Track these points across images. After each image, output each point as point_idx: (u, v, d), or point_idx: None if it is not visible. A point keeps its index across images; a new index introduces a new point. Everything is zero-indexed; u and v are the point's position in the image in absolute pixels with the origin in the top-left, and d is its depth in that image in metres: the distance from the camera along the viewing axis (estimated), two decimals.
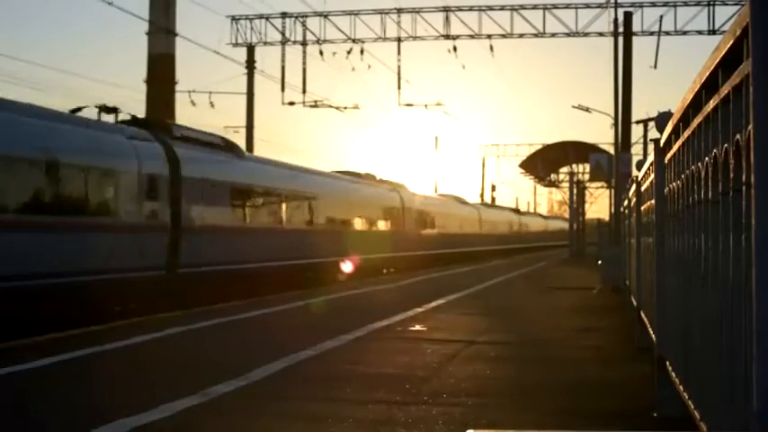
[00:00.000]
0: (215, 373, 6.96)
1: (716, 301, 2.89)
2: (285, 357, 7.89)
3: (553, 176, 59.51)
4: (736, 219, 2.41)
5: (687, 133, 3.65)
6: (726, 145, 2.63)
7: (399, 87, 36.88)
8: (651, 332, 6.40)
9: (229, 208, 20.16)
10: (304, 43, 33.66)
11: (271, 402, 6.07)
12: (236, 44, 33.80)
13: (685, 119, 3.69)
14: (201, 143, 19.54)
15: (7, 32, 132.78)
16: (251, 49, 33.79)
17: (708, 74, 2.81)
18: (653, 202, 5.70)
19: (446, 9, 33.09)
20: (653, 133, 6.79)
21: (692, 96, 3.31)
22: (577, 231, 48.17)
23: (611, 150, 28.90)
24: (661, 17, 30.12)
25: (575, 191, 47.61)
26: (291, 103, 35.26)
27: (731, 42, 2.29)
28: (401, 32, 33.04)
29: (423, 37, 33.14)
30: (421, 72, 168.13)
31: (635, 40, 26.85)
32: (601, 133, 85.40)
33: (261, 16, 33.78)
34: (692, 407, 3.54)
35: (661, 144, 5.00)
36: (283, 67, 34.15)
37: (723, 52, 2.45)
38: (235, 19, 33.84)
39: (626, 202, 13.33)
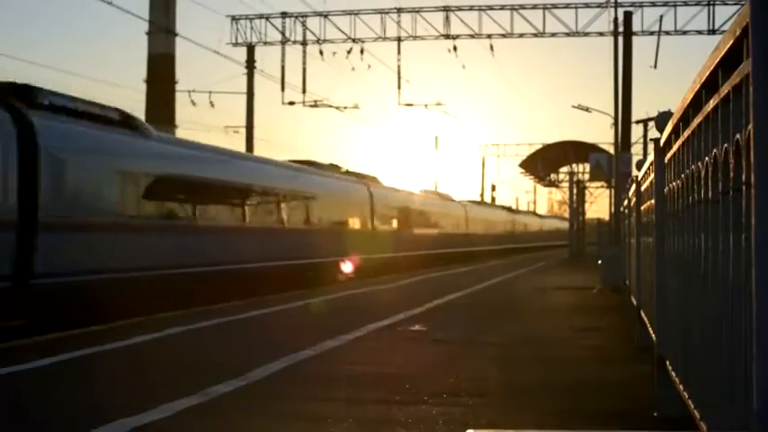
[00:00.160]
0: (215, 373, 6.96)
1: (716, 301, 2.89)
2: (285, 357, 7.89)
3: (553, 176, 59.48)
4: (736, 218, 2.41)
5: (687, 133, 3.65)
6: (726, 145, 2.63)
7: (399, 87, 36.91)
8: (651, 332, 6.40)
9: (120, 198, 15.42)
10: (304, 43, 33.66)
11: (270, 402, 6.07)
12: (236, 44, 33.80)
13: (685, 119, 3.69)
14: (83, 115, 14.92)
15: (7, 32, 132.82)
16: (251, 49, 33.79)
17: (708, 74, 2.81)
18: (653, 201, 5.70)
19: (446, 9, 33.10)
20: (653, 133, 6.78)
21: (692, 96, 3.31)
22: (577, 231, 48.14)
23: (611, 150, 28.90)
24: (661, 17, 30.13)
25: (575, 191, 47.61)
26: (291, 103, 35.27)
27: (731, 42, 2.29)
28: (401, 32, 33.06)
29: (423, 37, 33.14)
30: (421, 72, 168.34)
31: (635, 39, 26.85)
32: (601, 133, 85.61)
33: (261, 16, 33.79)
34: (692, 406, 3.54)
35: (661, 144, 5.00)
36: (283, 67, 34.17)
37: (723, 52, 2.45)
38: (235, 19, 33.85)
39: (626, 202, 13.33)
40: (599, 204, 65.62)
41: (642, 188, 7.74)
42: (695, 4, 30.25)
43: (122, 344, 8.86)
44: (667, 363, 4.81)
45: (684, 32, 30.60)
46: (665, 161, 4.85)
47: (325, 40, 33.19)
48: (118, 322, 11.70)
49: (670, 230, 4.76)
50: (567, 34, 32.22)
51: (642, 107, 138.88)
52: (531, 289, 19.36)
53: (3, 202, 12.45)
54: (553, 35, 32.48)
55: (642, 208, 7.90)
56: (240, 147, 34.01)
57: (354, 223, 28.34)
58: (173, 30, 47.68)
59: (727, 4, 30.29)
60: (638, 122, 32.59)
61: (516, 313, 13.41)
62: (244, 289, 17.33)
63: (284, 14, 33.64)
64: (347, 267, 25.72)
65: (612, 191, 26.53)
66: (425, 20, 33.07)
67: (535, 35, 32.31)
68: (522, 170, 57.15)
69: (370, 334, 10.06)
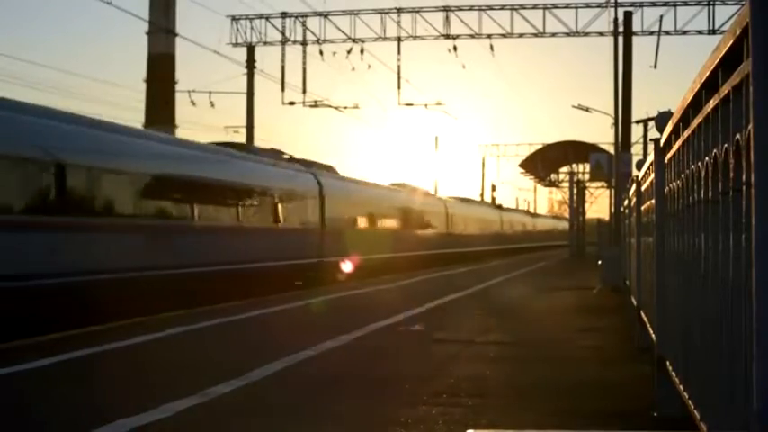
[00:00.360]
0: (215, 373, 6.96)
1: (716, 301, 2.89)
2: (285, 357, 7.89)
3: (553, 176, 59.49)
4: (736, 218, 2.41)
5: (687, 133, 3.65)
6: (726, 145, 2.63)
7: (399, 87, 36.80)
8: (651, 332, 6.40)
9: None
10: (304, 43, 33.65)
11: (271, 402, 6.07)
12: (236, 44, 33.79)
13: (685, 119, 3.69)
14: None
15: (7, 32, 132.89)
16: (251, 49, 33.78)
17: (708, 74, 2.81)
18: (653, 201, 5.70)
19: (446, 9, 33.10)
20: (653, 133, 6.79)
21: (692, 96, 3.31)
22: (577, 231, 48.14)
23: (611, 150, 28.91)
24: (661, 17, 30.12)
25: (575, 191, 47.62)
26: (291, 103, 35.26)
27: (731, 42, 2.29)
28: (401, 32, 33.05)
29: (423, 37, 33.14)
30: (421, 72, 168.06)
31: (635, 39, 26.85)
32: (601, 133, 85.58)
33: (261, 16, 33.78)
34: (692, 406, 3.54)
35: (661, 144, 5.00)
36: (283, 67, 34.16)
37: (723, 52, 2.45)
38: (235, 19, 33.85)
39: (626, 202, 13.33)
40: (599, 204, 65.25)
41: (642, 188, 7.74)
42: (695, 4, 30.26)
43: (122, 344, 8.86)
44: (667, 363, 4.81)
45: (684, 32, 30.60)
46: (666, 161, 4.85)
47: (325, 40, 33.20)
48: (118, 322, 11.70)
49: (670, 230, 4.76)
50: (567, 34, 32.23)
51: (642, 107, 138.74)
52: (531, 289, 19.36)
53: None
54: (553, 35, 32.48)
55: (642, 208, 7.90)
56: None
57: (293, 220, 22.65)
58: (173, 30, 47.70)
59: (727, 4, 30.30)
60: (638, 122, 32.61)
61: (516, 313, 13.41)
62: (159, 304, 13.80)
63: (284, 14, 33.64)
64: (285, 273, 21.04)
65: (612, 191, 26.55)
66: (425, 20, 33.09)
67: (535, 35, 32.31)
68: (522, 170, 57.17)
69: (371, 334, 10.06)
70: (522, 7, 32.14)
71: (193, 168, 17.79)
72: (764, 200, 1.89)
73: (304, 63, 34.01)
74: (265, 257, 20.17)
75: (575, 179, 49.51)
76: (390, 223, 32.18)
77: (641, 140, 36.88)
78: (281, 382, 6.83)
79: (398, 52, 36.18)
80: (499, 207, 63.62)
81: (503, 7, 32.17)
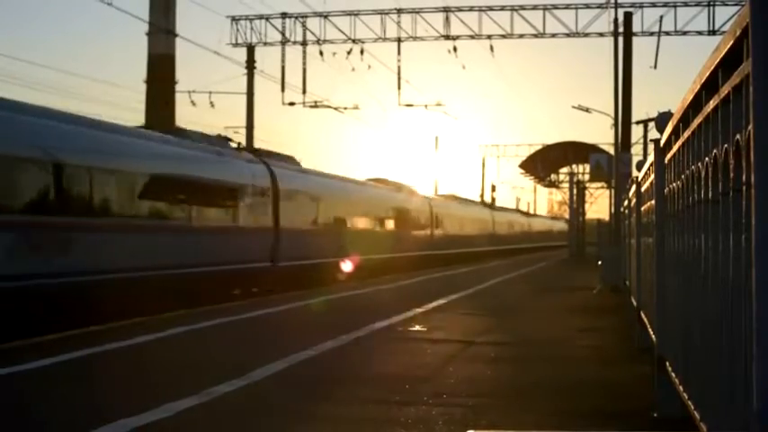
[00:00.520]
0: (216, 372, 6.96)
1: (716, 301, 2.89)
2: (286, 357, 7.89)
3: (553, 177, 59.47)
4: (737, 219, 2.42)
5: (687, 133, 3.65)
6: (726, 145, 2.63)
7: (399, 87, 36.73)
8: (651, 332, 6.40)
9: None
10: (304, 43, 33.64)
11: (272, 402, 6.07)
12: (236, 44, 33.78)
13: (685, 119, 3.69)
14: None
15: (7, 32, 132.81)
16: (251, 50, 33.77)
17: (708, 74, 2.82)
18: (653, 202, 5.71)
19: (446, 9, 33.08)
20: (653, 133, 6.79)
21: (692, 96, 3.31)
22: (577, 232, 48.14)
23: (611, 150, 28.89)
24: (661, 17, 30.11)
25: (575, 191, 47.61)
26: (291, 104, 35.24)
27: (731, 42, 2.30)
28: (401, 33, 33.03)
29: (423, 37, 33.11)
30: (421, 72, 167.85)
31: (635, 40, 26.80)
32: (601, 133, 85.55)
33: (261, 16, 33.77)
34: (692, 407, 3.55)
35: (661, 144, 5.01)
36: (283, 68, 34.14)
37: (723, 52, 2.45)
38: (235, 19, 33.84)
39: (626, 203, 13.33)
40: (599, 205, 65.12)
41: (642, 189, 7.74)
42: (695, 5, 30.24)
43: (124, 344, 8.86)
44: (667, 363, 4.82)
45: (684, 33, 30.59)
46: (666, 162, 4.85)
47: (325, 41, 33.19)
48: (119, 322, 11.70)
49: (670, 231, 4.76)
50: (567, 35, 32.22)
51: (642, 107, 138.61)
52: (531, 289, 19.36)
53: None
54: (553, 36, 32.47)
55: (642, 208, 7.91)
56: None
57: (234, 218, 19.26)
58: (173, 30, 47.68)
59: (727, 5, 30.29)
60: (638, 123, 32.63)
61: (516, 313, 13.41)
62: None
63: (284, 15, 33.64)
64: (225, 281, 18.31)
65: (612, 191, 26.54)
66: (425, 20, 33.07)
67: (535, 36, 32.30)
68: (522, 170, 57.16)
69: (371, 334, 10.06)
70: (522, 8, 32.15)
71: (91, 151, 14.20)
72: (764, 200, 1.89)
73: (304, 63, 34.02)
74: (190, 262, 16.53)
75: (575, 179, 49.49)
76: (363, 222, 28.75)
77: (641, 141, 36.91)
78: (283, 382, 6.83)
79: (398, 53, 36.10)
80: (491, 206, 59.86)
81: (503, 8, 32.16)
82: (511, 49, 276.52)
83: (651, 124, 20.72)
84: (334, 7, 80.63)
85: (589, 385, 6.84)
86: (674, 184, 4.36)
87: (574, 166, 54.22)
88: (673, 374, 4.54)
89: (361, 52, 32.96)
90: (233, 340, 9.81)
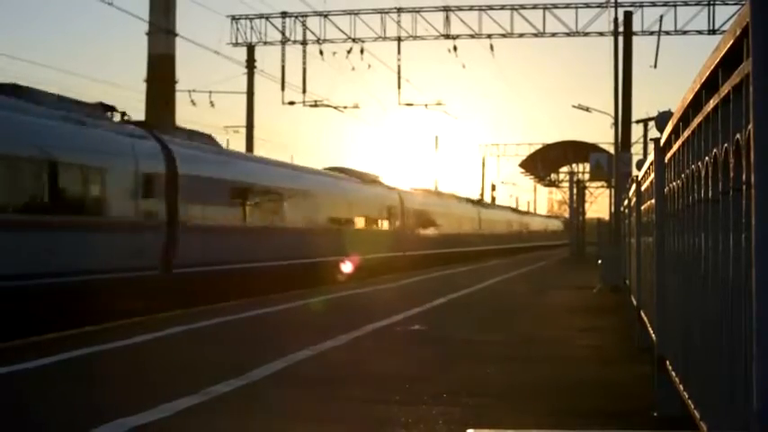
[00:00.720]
0: (215, 372, 6.96)
1: (716, 301, 2.88)
2: (285, 357, 7.88)
3: (553, 176, 59.48)
4: (737, 218, 2.41)
5: (687, 133, 3.65)
6: (726, 144, 2.63)
7: (399, 87, 36.78)
8: (651, 332, 6.40)
9: None
10: (304, 43, 33.65)
11: (270, 402, 6.07)
12: (236, 44, 33.82)
13: (685, 118, 3.68)
14: None
15: (7, 32, 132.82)
16: (251, 49, 33.80)
17: (708, 74, 2.81)
18: (653, 201, 5.70)
19: (446, 9, 33.09)
20: (653, 133, 6.79)
21: (692, 96, 3.31)
22: (577, 231, 48.14)
23: (612, 150, 28.90)
24: (661, 17, 30.13)
25: (575, 190, 47.61)
26: (291, 103, 35.25)
27: (731, 42, 2.29)
28: (401, 32, 33.05)
29: (423, 36, 33.14)
30: (421, 72, 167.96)
31: (635, 39, 26.85)
32: (601, 133, 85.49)
33: (261, 16, 33.79)
34: (692, 406, 3.54)
35: (661, 144, 5.00)
36: (283, 67, 34.16)
37: (723, 52, 2.45)
38: (235, 19, 33.87)
39: (626, 202, 13.33)
40: (599, 204, 65.05)
41: (642, 188, 7.74)
42: (695, 4, 30.25)
43: (122, 343, 8.86)
44: (667, 363, 4.81)
45: (684, 32, 30.59)
46: (666, 161, 4.85)
47: (325, 40, 33.20)
48: (118, 322, 11.70)
49: (670, 230, 4.76)
50: (567, 34, 32.22)
51: (642, 107, 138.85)
52: (531, 288, 19.35)
53: None
54: (553, 35, 32.48)
55: (642, 208, 7.90)
56: (240, 147, 33.93)
57: (95, 207, 14.61)
58: (173, 30, 47.67)
59: (727, 4, 30.29)
60: (638, 122, 32.61)
61: (516, 313, 13.41)
62: None
63: (284, 14, 33.65)
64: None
65: (612, 191, 26.54)
66: (425, 20, 33.08)
67: (535, 35, 32.30)
68: (522, 170, 57.16)
69: (370, 334, 10.06)
70: (522, 7, 32.15)
71: None
72: (764, 200, 1.89)
73: (304, 63, 34.04)
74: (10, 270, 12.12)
75: (575, 179, 49.49)
76: (308, 219, 23.29)
77: (641, 140, 36.88)
78: (281, 382, 6.82)
79: (398, 52, 36.19)
80: (478, 202, 54.20)
81: (503, 7, 32.17)
82: (511, 48, 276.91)
83: (651, 123, 20.72)
84: (335, 6, 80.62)
85: (589, 385, 6.83)
86: (674, 184, 4.36)
87: (574, 165, 54.24)
88: (673, 374, 4.53)
89: (362, 51, 32.98)
90: (231, 340, 9.80)
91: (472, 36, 32.78)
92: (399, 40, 33.21)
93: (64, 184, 13.80)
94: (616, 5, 26.04)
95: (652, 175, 5.80)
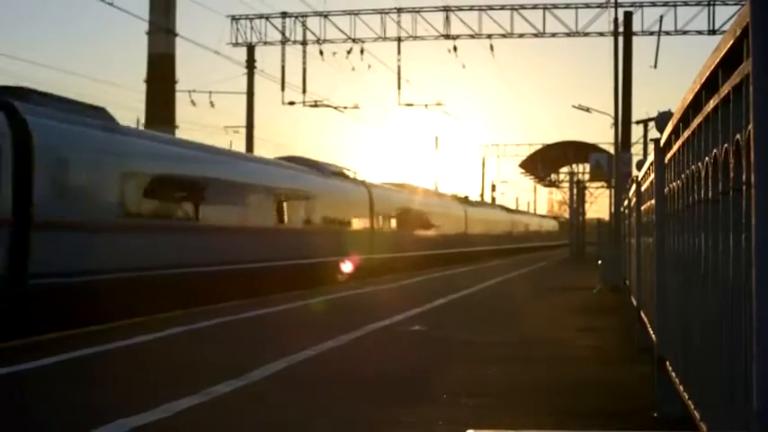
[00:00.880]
0: (215, 372, 6.96)
1: (716, 301, 2.89)
2: (285, 357, 7.88)
3: (553, 176, 59.50)
4: (737, 218, 2.41)
5: (687, 133, 3.65)
6: (726, 145, 2.63)
7: (399, 87, 36.73)
8: (651, 332, 6.40)
9: None
10: (304, 43, 33.64)
11: (271, 402, 6.07)
12: (236, 44, 33.79)
13: (685, 119, 3.69)
14: None
15: (7, 32, 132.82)
16: (251, 49, 33.78)
17: (708, 74, 2.81)
18: (653, 201, 5.70)
19: (446, 9, 33.08)
20: (653, 133, 6.80)
21: (692, 96, 3.31)
22: (577, 231, 48.15)
23: (611, 150, 28.90)
24: (661, 17, 30.12)
25: (575, 191, 47.63)
26: (291, 103, 35.23)
27: (731, 42, 2.29)
28: (401, 32, 33.03)
29: (423, 37, 33.12)
30: (421, 72, 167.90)
31: (635, 39, 26.82)
32: (601, 133, 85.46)
33: (261, 16, 33.77)
34: (692, 407, 3.54)
35: (661, 144, 5.00)
36: (283, 67, 34.14)
37: (723, 52, 2.45)
38: (235, 19, 33.84)
39: (626, 202, 13.33)
40: (599, 204, 64.97)
41: (642, 188, 7.74)
42: (695, 4, 30.24)
43: (123, 344, 8.86)
44: (667, 363, 4.81)
45: (684, 32, 30.59)
46: (666, 161, 4.85)
47: (325, 40, 33.19)
48: (119, 322, 11.69)
49: (670, 230, 4.76)
50: (567, 34, 32.21)
51: (642, 107, 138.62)
52: (531, 288, 19.35)
53: None
54: (553, 35, 32.47)
55: (642, 208, 7.90)
56: (241, 147, 33.89)
57: None
58: (173, 30, 47.69)
59: (727, 4, 30.28)
60: (638, 122, 32.58)
61: (516, 313, 13.40)
62: None
63: (284, 14, 33.64)
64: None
65: (612, 191, 26.55)
66: (425, 20, 33.07)
67: (535, 35, 32.29)
68: (523, 170, 57.17)
69: (370, 334, 10.06)
70: (522, 7, 32.14)
71: None
72: (764, 200, 1.89)
73: (304, 63, 34.02)
74: None
75: (575, 179, 49.50)
76: (238, 213, 18.98)
77: (641, 140, 36.85)
78: (282, 383, 6.82)
79: (398, 52, 36.14)
80: (465, 200, 49.33)
81: (503, 7, 32.16)
82: (511, 48, 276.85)
83: (651, 124, 20.73)
84: (335, 7, 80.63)
85: (589, 385, 6.83)
86: (674, 184, 4.36)
87: (574, 165, 54.26)
88: (673, 374, 4.54)
89: (362, 52, 32.97)
90: (232, 340, 9.80)
91: (472, 36, 32.79)
92: (399, 40, 33.22)
93: None
94: (616, 5, 26.05)
95: (652, 176, 5.80)
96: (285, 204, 21.71)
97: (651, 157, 5.82)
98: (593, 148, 42.78)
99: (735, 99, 2.44)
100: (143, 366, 7.73)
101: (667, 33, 30.31)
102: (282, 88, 34.21)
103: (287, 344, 8.78)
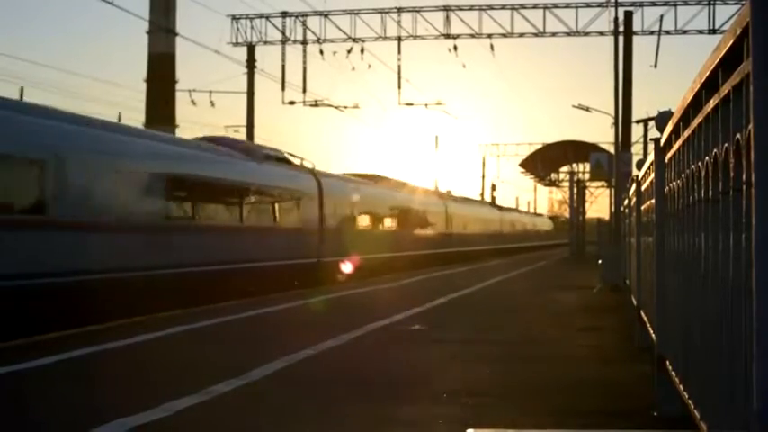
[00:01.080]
0: (215, 372, 6.96)
1: (716, 301, 2.89)
2: (285, 357, 7.89)
3: (553, 176, 59.53)
4: (737, 218, 2.41)
5: (687, 133, 3.65)
6: (726, 144, 2.63)
7: (399, 87, 36.78)
8: (651, 331, 6.40)
9: None
10: (304, 42, 33.65)
11: (271, 402, 6.07)
12: (236, 43, 33.80)
13: (685, 118, 3.68)
14: None
15: (7, 32, 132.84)
16: (251, 49, 33.78)
17: (708, 73, 2.81)
18: (653, 201, 5.70)
19: (446, 8, 33.10)
20: (653, 133, 6.79)
21: (692, 96, 3.31)
22: (577, 231, 48.16)
23: (612, 149, 28.90)
24: (661, 16, 30.14)
25: (575, 190, 47.63)
26: (292, 103, 35.24)
27: (731, 42, 2.29)
28: (401, 32, 33.05)
29: (423, 36, 33.14)
30: (421, 71, 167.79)
31: (635, 39, 26.82)
32: (601, 133, 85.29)
33: (261, 15, 33.78)
34: (692, 406, 3.54)
35: (661, 143, 5.00)
36: (283, 67, 34.16)
37: (723, 52, 2.45)
38: (235, 18, 33.86)
39: (626, 202, 13.33)
40: (599, 204, 64.93)
41: (642, 188, 7.74)
42: (695, 4, 30.26)
43: (123, 343, 8.86)
44: (667, 362, 4.81)
45: (685, 32, 30.59)
46: (666, 161, 4.85)
47: (325, 40, 33.20)
48: (119, 321, 11.70)
49: (670, 230, 4.76)
50: (568, 34, 32.22)
51: (642, 107, 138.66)
52: (531, 288, 19.36)
53: None
54: (553, 35, 32.48)
55: (642, 208, 7.90)
56: None
57: None
58: (173, 29, 47.70)
59: (727, 4, 30.29)
60: (638, 122, 32.58)
61: (516, 312, 13.40)
62: None
63: (284, 14, 33.65)
64: None
65: (612, 190, 26.55)
66: (426, 19, 33.09)
67: (535, 35, 32.30)
68: (523, 170, 57.19)
69: (370, 333, 10.06)
70: (523, 7, 32.14)
71: None
72: (764, 200, 1.89)
73: (304, 63, 34.04)
74: None
75: (575, 179, 49.52)
76: (121, 206, 14.23)
77: (641, 140, 36.86)
78: (282, 382, 6.82)
79: (398, 52, 36.18)
80: (448, 196, 45.14)
81: (503, 7, 32.17)
82: (511, 48, 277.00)
83: (651, 123, 20.70)
84: (335, 6, 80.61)
85: (589, 384, 6.83)
86: (674, 184, 4.36)
87: (574, 165, 54.31)
88: (673, 373, 4.54)
89: (362, 51, 32.99)
90: (232, 339, 9.80)
91: (472, 36, 32.80)
92: (399, 39, 33.23)
93: None
94: (616, 5, 26.06)
95: (652, 175, 5.80)
96: (190, 195, 16.69)
97: (651, 157, 5.82)
98: (593, 147, 42.81)
99: (735, 99, 2.44)
100: (143, 365, 7.73)
101: (667, 33, 30.33)
102: (282, 88, 34.25)
103: (287, 343, 8.78)
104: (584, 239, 47.82)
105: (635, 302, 9.31)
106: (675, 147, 4.23)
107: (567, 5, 31.91)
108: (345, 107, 36.27)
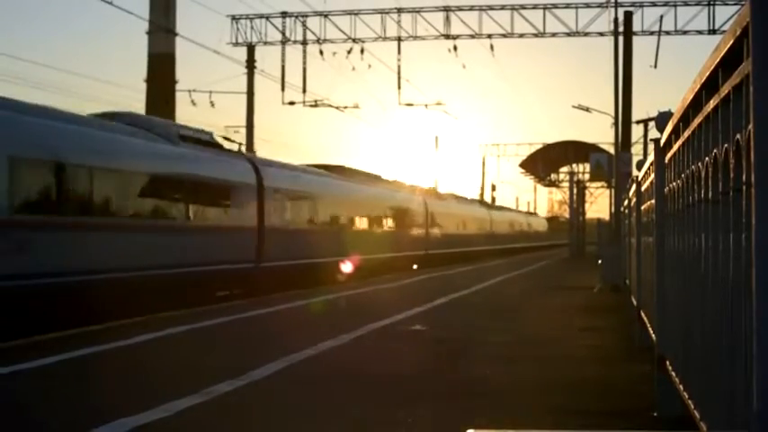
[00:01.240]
0: (216, 371, 6.96)
1: (716, 301, 2.89)
2: (286, 357, 7.89)
3: (553, 176, 59.50)
4: (737, 218, 2.42)
5: (687, 133, 3.65)
6: (726, 145, 2.63)
7: (399, 87, 36.79)
8: (651, 331, 6.40)
9: None
10: (304, 43, 33.65)
11: (271, 402, 6.07)
12: (236, 44, 33.80)
13: (685, 119, 3.69)
14: None
15: (7, 32, 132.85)
16: (251, 49, 33.78)
17: (708, 74, 2.82)
18: (653, 201, 5.70)
19: (446, 9, 33.10)
20: (653, 133, 6.80)
21: (692, 96, 3.31)
22: (577, 231, 48.16)
23: (612, 150, 28.91)
24: (661, 17, 30.14)
25: (575, 190, 47.62)
26: (291, 103, 35.24)
27: (731, 42, 2.30)
28: (401, 32, 33.05)
29: (423, 37, 33.14)
30: (421, 72, 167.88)
31: (635, 39, 26.83)
32: (601, 133, 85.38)
33: (261, 16, 33.78)
34: (692, 406, 3.55)
35: (661, 144, 5.00)
36: (283, 67, 34.15)
37: (723, 52, 2.45)
38: (235, 18, 33.85)
39: (626, 202, 13.33)
40: (599, 204, 64.89)
41: (642, 188, 7.74)
42: (695, 4, 30.26)
43: (123, 343, 8.87)
44: (667, 362, 4.82)
45: (684, 32, 30.59)
46: (666, 161, 4.85)
47: (325, 40, 33.19)
48: (119, 321, 11.70)
49: (670, 230, 4.76)
50: (568, 34, 32.22)
51: (642, 107, 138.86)
52: (531, 288, 19.35)
53: None
54: (553, 35, 32.48)
55: (642, 208, 7.91)
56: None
57: None
58: (173, 29, 47.69)
59: (727, 4, 30.29)
60: (638, 122, 32.62)
61: (516, 312, 13.40)
62: None
63: (284, 14, 33.65)
64: None
65: (612, 191, 26.55)
66: (425, 20, 33.09)
67: (535, 35, 32.30)
68: (523, 170, 57.17)
69: (371, 333, 10.06)
70: (523, 7, 32.15)
71: None
72: (764, 200, 1.89)
73: (304, 63, 34.03)
74: None
75: (575, 179, 49.51)
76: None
77: (641, 140, 36.90)
78: (283, 382, 6.83)
79: (398, 52, 36.22)
80: (429, 192, 41.07)
81: (503, 7, 32.17)
82: (511, 48, 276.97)
83: (651, 124, 20.70)
84: (335, 6, 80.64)
85: (589, 384, 6.84)
86: (674, 184, 4.36)
87: (574, 165, 54.30)
88: (673, 373, 4.54)
89: (362, 51, 32.99)
90: (233, 339, 9.80)
91: (472, 36, 32.80)
92: (399, 40, 33.23)
93: None
94: (616, 5, 26.06)
95: (652, 176, 5.81)
96: (63, 183, 13.19)
97: (651, 157, 5.82)
98: (594, 147, 42.82)
99: (735, 99, 2.44)
100: (143, 365, 7.73)
101: (667, 33, 30.33)
102: (282, 88, 34.24)
103: (288, 343, 8.78)
104: (584, 240, 47.82)
105: (635, 302, 9.32)
106: (675, 147, 4.23)
107: (567, 6, 31.92)
108: (345, 107, 36.28)
